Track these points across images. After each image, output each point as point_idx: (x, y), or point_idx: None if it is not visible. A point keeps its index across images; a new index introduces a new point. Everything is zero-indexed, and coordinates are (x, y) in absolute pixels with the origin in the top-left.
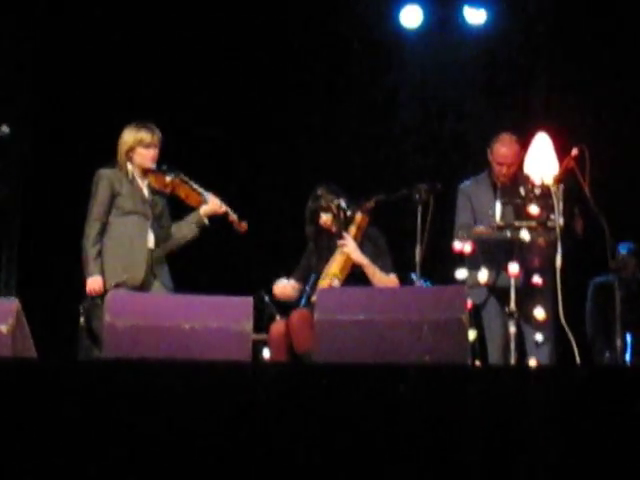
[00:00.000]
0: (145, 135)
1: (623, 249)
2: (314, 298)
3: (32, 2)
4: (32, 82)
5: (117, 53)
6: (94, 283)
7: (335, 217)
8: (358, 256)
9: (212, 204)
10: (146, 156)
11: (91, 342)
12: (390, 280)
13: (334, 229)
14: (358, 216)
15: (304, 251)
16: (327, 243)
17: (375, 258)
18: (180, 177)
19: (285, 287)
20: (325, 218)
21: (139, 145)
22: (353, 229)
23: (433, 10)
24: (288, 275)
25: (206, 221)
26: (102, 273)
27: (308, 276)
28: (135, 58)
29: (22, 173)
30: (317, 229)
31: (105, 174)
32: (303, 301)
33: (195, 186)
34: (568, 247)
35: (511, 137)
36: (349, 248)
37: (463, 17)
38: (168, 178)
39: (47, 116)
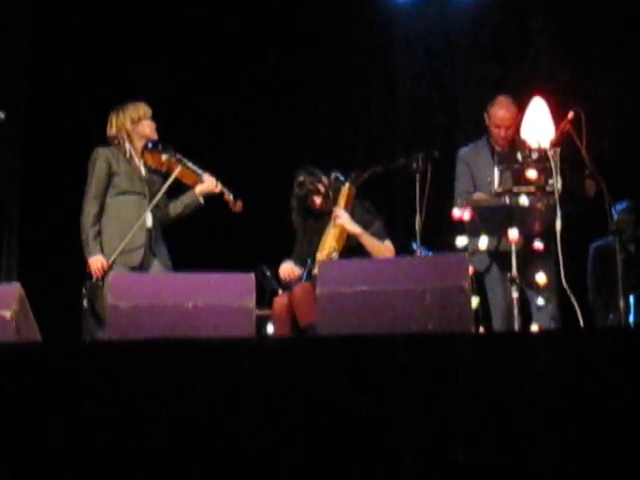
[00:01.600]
0: (147, 108)
1: (620, 208)
2: (315, 271)
3: None
4: (25, 66)
5: (108, 33)
6: (97, 262)
7: (325, 196)
8: (352, 227)
9: (208, 183)
10: (152, 127)
11: (95, 323)
12: (385, 246)
13: (327, 207)
14: (345, 187)
15: (295, 233)
16: (315, 226)
17: (368, 226)
18: (176, 156)
19: (292, 269)
20: (318, 201)
21: (144, 117)
22: (342, 200)
23: None
24: (286, 258)
25: (201, 200)
26: (102, 253)
27: (305, 260)
28: (125, 38)
29: (20, 157)
30: (304, 215)
31: (102, 152)
32: (305, 275)
33: (191, 165)
34: (569, 210)
35: (508, 99)
36: (342, 220)
37: None
38: (164, 157)
39: (41, 98)
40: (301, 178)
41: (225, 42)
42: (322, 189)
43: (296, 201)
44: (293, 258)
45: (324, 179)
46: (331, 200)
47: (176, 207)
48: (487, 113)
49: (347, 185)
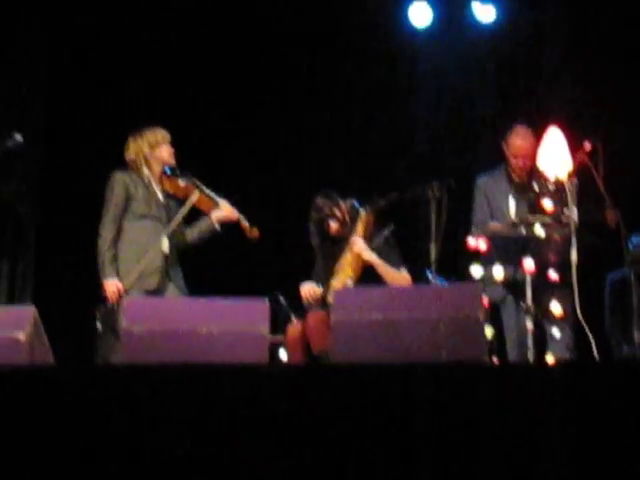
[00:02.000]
0: (165, 133)
1: (636, 240)
2: (329, 298)
3: (44, 12)
4: (45, 88)
5: (128, 57)
6: (112, 286)
7: (342, 222)
8: (368, 255)
9: (225, 210)
10: (170, 152)
11: (110, 347)
12: (402, 276)
13: (343, 233)
14: (363, 214)
15: (315, 257)
16: (332, 251)
17: (384, 254)
18: (194, 182)
19: (314, 289)
20: (335, 226)
21: (162, 142)
22: (360, 228)
23: (442, 8)
24: (307, 279)
25: (217, 226)
26: (118, 277)
27: (322, 283)
28: (144, 63)
29: (38, 180)
30: (322, 239)
31: (120, 177)
32: None
33: (208, 191)
34: (588, 242)
35: (526, 129)
36: (359, 248)
37: (472, 14)
38: (182, 183)
39: (60, 122)
40: (319, 202)
41: (243, 69)
42: (339, 214)
43: (313, 225)
44: (313, 280)
45: (342, 204)
46: (348, 226)
47: (192, 232)
48: (505, 142)
49: (364, 212)
